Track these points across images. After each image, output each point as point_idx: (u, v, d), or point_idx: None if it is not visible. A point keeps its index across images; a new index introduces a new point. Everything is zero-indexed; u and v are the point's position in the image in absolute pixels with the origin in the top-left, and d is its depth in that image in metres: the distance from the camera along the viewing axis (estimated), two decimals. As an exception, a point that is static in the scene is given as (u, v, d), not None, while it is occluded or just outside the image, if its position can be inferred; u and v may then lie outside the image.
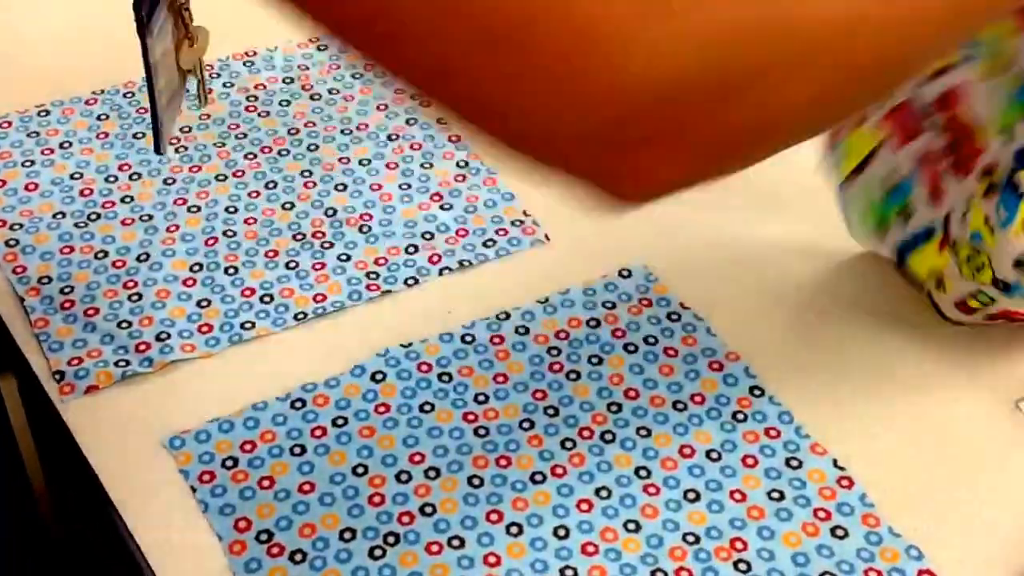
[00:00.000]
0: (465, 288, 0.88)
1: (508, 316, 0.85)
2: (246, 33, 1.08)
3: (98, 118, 1.00)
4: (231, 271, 0.88)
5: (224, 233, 0.91)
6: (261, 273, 0.88)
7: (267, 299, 0.86)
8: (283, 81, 1.04)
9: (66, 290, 0.86)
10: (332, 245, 0.90)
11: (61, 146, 0.98)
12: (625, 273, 0.89)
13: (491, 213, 0.93)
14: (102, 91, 1.02)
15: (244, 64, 1.05)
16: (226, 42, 1.08)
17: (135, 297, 0.86)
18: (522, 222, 0.92)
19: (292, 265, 0.88)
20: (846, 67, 0.52)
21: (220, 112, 1.01)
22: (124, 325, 0.84)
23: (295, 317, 0.85)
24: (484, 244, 0.91)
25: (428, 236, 0.91)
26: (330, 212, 0.92)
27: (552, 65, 0.47)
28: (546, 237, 0.91)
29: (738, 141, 0.52)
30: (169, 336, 0.83)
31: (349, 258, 0.89)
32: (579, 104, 0.48)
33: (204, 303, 0.86)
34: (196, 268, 0.88)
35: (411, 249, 0.90)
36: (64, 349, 0.82)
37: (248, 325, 0.84)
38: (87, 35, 1.07)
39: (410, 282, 0.88)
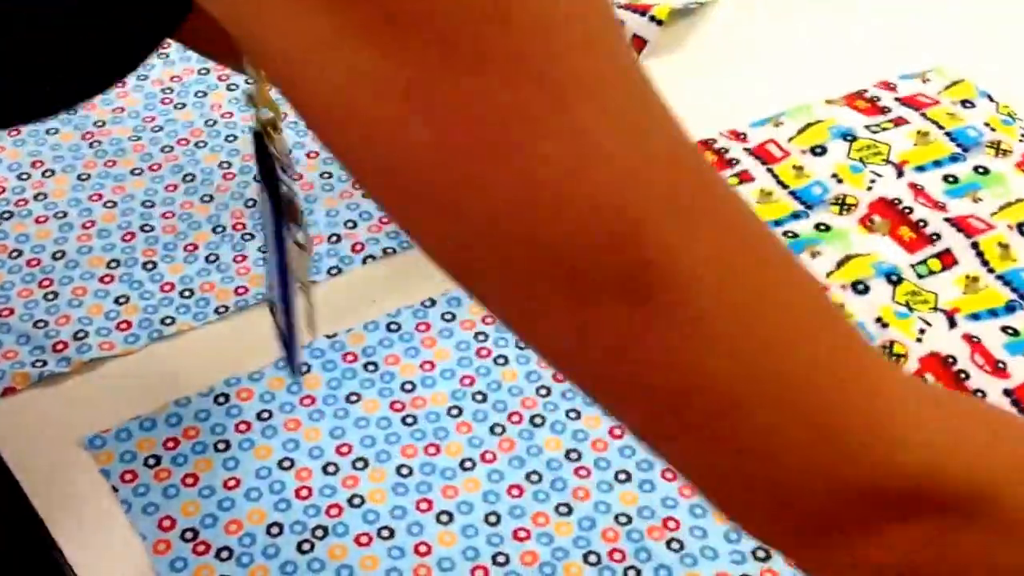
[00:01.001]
0: (389, 276, 0.87)
1: (433, 303, 0.84)
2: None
3: (9, 115, 0.98)
4: (149, 266, 0.86)
5: (141, 228, 0.89)
6: (180, 267, 0.86)
7: (187, 294, 0.84)
8: (198, 72, 1.02)
9: (-21, 291, 0.84)
10: (253, 236, 0.88)
11: (-29, 144, 0.95)
12: (550, 256, 0.88)
13: (414, 200, 0.92)
14: (12, 87, 1.00)
15: (159, 56, 1.03)
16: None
17: (51, 296, 0.84)
18: (446, 208, 0.91)
19: (212, 258, 0.87)
20: None
21: (135, 105, 0.99)
22: (40, 324, 0.82)
23: (216, 311, 0.83)
24: (408, 231, 0.90)
25: (351, 225, 0.90)
26: (250, 203, 0.91)
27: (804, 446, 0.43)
28: (470, 222, 0.91)
29: None
30: (87, 334, 0.81)
31: (270, 249, 0.88)
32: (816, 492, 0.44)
33: (122, 300, 0.84)
34: (113, 264, 0.86)
35: (333, 238, 0.89)
36: (-22, 351, 0.80)
37: (168, 321, 0.83)
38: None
39: (333, 271, 0.87)
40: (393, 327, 0.83)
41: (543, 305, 0.41)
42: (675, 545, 0.72)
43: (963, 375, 0.78)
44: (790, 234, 0.87)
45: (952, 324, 0.81)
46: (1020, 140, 0.94)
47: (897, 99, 0.97)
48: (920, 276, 0.84)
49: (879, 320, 0.80)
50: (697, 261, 0.40)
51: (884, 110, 0.96)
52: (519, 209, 0.38)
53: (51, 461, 0.75)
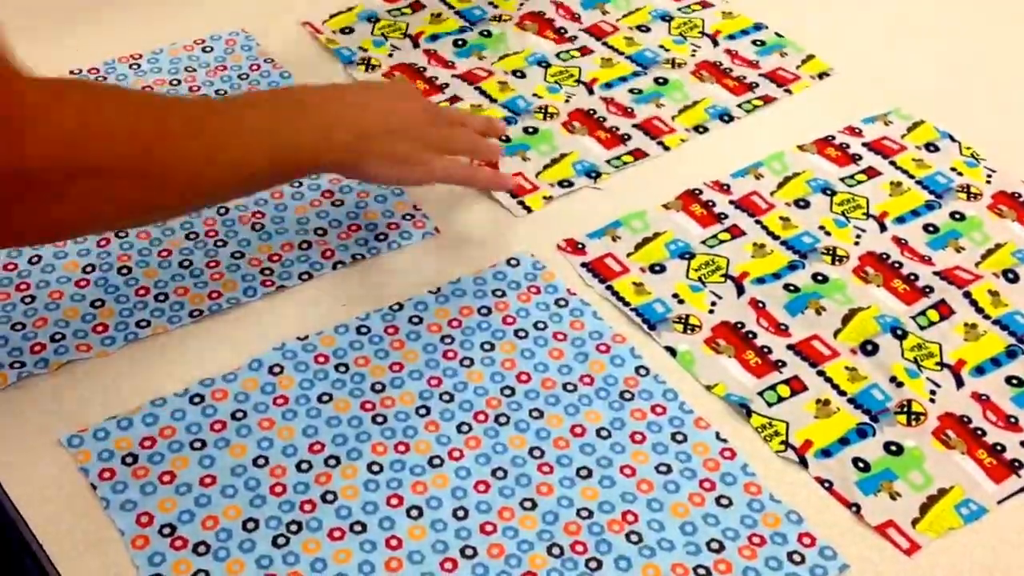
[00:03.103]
0: (359, 281, 0.90)
1: (402, 307, 0.87)
2: (132, 36, 1.08)
3: (-17, 123, 1.00)
4: (124, 271, 0.89)
5: (116, 234, 0.91)
6: (155, 272, 0.89)
7: (161, 297, 0.87)
8: (170, 83, 1.04)
9: (-43, 295, 0.86)
10: (226, 243, 0.91)
11: (-54, 152, 0.97)
12: (513, 262, 0.91)
13: (382, 207, 0.95)
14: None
15: (130, 67, 1.05)
16: (112, 45, 1.08)
17: (28, 299, 0.86)
18: (412, 216, 0.94)
19: (186, 264, 0.89)
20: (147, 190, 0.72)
21: (107, 114, 1.01)
22: (18, 327, 0.84)
23: (191, 315, 0.86)
24: (376, 238, 0.92)
25: (321, 232, 0.92)
26: (222, 210, 0.93)
27: None
28: (436, 230, 0.94)
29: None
30: (64, 337, 0.84)
31: (243, 255, 0.90)
32: None
33: (98, 303, 0.86)
34: (89, 269, 0.88)
35: (304, 245, 0.91)
36: (-43, 353, 0.82)
37: (143, 324, 0.85)
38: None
39: (304, 277, 0.89)
40: (363, 330, 0.86)
41: None
42: (634, 537, 0.75)
43: (980, 432, 0.81)
44: (791, 287, 0.89)
45: (959, 383, 0.84)
46: (987, 182, 0.99)
47: (865, 144, 1.01)
48: (922, 327, 0.87)
49: (893, 379, 0.83)
50: None
51: (855, 158, 1.00)
52: None
53: (30, 460, 0.77)
